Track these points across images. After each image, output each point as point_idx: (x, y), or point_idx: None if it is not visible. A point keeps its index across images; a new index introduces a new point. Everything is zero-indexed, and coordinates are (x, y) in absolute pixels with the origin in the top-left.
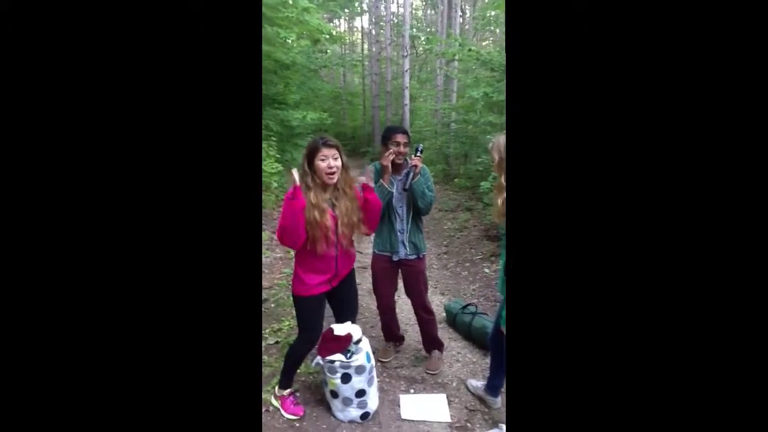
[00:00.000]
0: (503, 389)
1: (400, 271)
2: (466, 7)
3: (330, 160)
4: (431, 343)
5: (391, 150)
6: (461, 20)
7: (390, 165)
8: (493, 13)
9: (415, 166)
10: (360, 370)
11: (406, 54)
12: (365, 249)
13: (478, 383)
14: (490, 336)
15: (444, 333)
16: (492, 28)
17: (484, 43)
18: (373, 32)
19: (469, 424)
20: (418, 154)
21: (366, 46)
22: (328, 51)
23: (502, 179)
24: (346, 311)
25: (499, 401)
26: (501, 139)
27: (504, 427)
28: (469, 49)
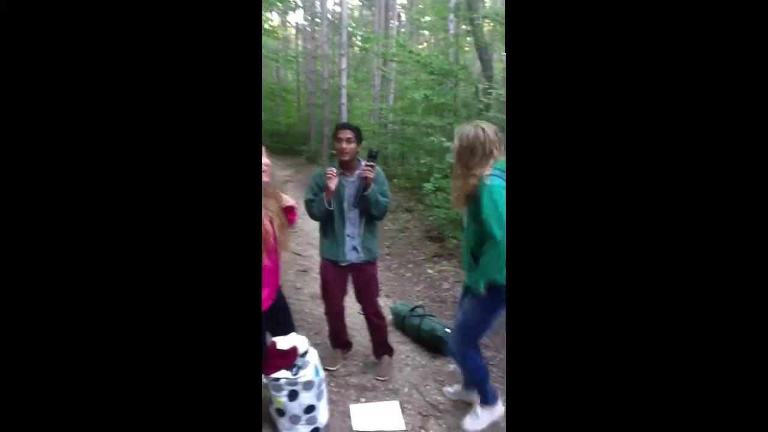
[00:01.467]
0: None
1: (350, 275)
2: (401, 11)
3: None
4: (382, 348)
5: (331, 182)
6: (398, 23)
7: (334, 181)
8: (428, 18)
9: (366, 177)
10: (308, 385)
11: (343, 52)
12: (304, 251)
13: (454, 388)
14: (450, 346)
15: (392, 336)
16: (427, 33)
17: (419, 47)
18: (308, 29)
19: (423, 431)
20: (372, 160)
21: (300, 42)
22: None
23: (457, 168)
24: (285, 323)
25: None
26: (466, 128)
27: (477, 407)
28: (410, 51)
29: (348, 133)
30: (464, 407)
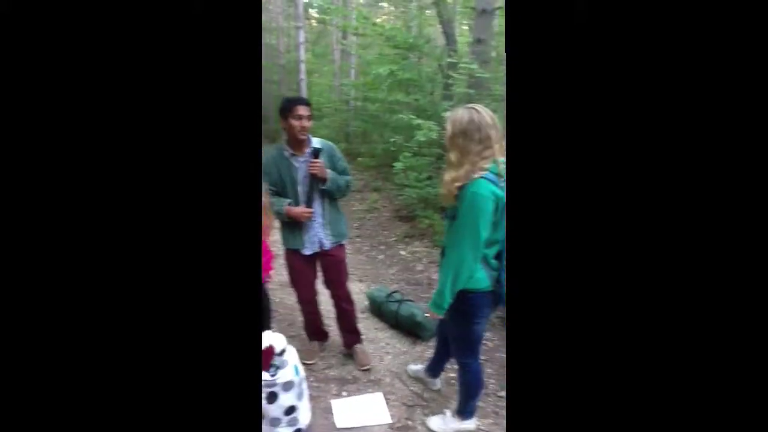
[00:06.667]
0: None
1: (318, 261)
2: None
3: None
4: (351, 335)
5: (306, 213)
6: None
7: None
8: None
9: (314, 175)
10: (288, 386)
11: (299, 25)
12: (271, 236)
13: (417, 366)
14: (454, 356)
15: (369, 323)
16: (386, 5)
17: (378, 20)
18: None
19: (410, 422)
20: (315, 156)
21: None
22: None
23: (451, 156)
24: (263, 317)
25: (438, 383)
26: (458, 111)
27: (448, 412)
28: (373, 24)
29: (307, 110)
30: (451, 395)
